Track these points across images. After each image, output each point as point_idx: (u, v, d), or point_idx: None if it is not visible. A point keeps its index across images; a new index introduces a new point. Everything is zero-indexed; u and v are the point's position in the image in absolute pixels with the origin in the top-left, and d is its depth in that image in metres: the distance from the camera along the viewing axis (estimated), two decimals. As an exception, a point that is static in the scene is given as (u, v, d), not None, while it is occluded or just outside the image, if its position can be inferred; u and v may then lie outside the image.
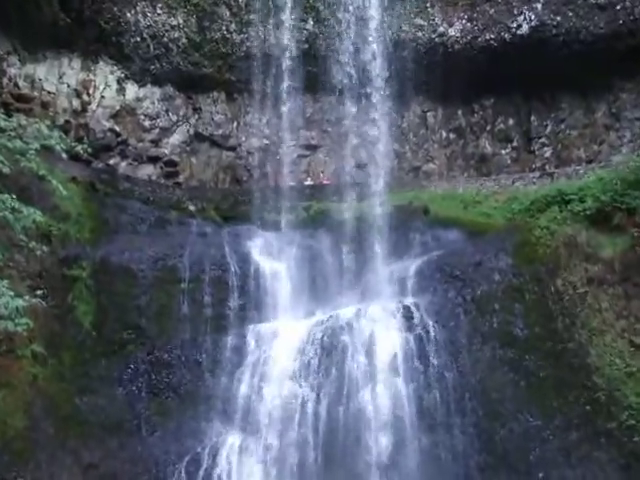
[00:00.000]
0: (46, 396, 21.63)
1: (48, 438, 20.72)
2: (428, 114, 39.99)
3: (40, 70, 33.88)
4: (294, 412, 22.67)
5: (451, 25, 36.67)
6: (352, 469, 21.50)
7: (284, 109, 36.83)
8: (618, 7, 34.32)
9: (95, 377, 23.36)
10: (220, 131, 38.50)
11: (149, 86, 36.83)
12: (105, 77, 35.51)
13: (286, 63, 35.98)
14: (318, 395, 22.95)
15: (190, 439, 22.31)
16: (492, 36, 36.17)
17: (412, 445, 21.88)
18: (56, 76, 34.33)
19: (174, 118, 37.71)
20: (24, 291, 20.77)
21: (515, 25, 35.71)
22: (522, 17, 35.63)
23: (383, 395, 22.93)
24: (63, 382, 22.58)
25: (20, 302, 17.64)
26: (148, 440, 22.25)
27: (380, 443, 22.04)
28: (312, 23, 36.78)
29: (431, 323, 24.44)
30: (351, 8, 36.37)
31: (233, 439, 22.43)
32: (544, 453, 21.23)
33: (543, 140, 38.64)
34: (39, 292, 20.22)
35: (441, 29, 36.81)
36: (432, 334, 24.08)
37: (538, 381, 22.76)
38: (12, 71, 32.87)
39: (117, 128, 35.82)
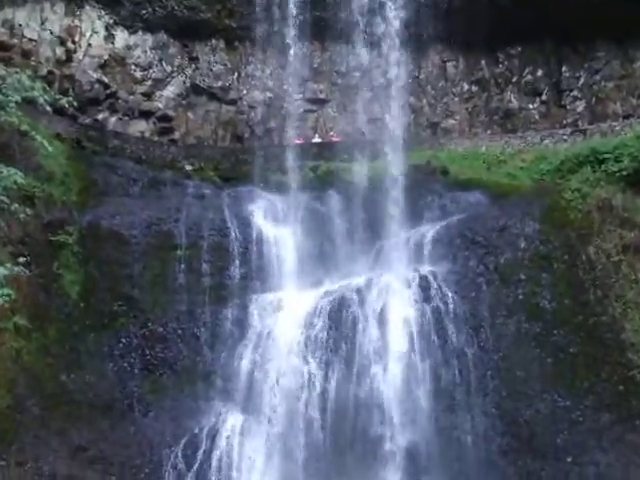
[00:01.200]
0: (30, 373, 21.74)
1: (33, 418, 20.83)
2: (448, 64, 39.55)
3: (20, 15, 33.51)
4: (300, 390, 22.69)
5: (474, -36, 36.04)
6: (363, 453, 21.57)
7: (289, 59, 36.43)
8: (662, -59, 33.60)
9: (83, 352, 23.38)
10: (219, 83, 38.21)
11: (140, 33, 36.49)
12: (92, 23, 35.19)
13: (291, 7, 35.39)
14: (326, 372, 22.97)
15: (187, 419, 22.38)
16: (520, -24, 35.51)
17: (429, 427, 21.91)
18: (38, 22, 33.99)
19: (168, 68, 37.43)
20: (6, 259, 20.81)
21: (546, -37, 35.02)
22: (554, -46, 34.92)
23: (397, 372, 22.93)
24: (49, 357, 22.63)
25: (1, 271, 17.69)
26: (142, 420, 22.33)
27: (394, 424, 22.05)
28: (320, -38, 36.20)
29: (450, 294, 24.35)
30: (363, -55, 35.77)
31: (234, 419, 22.49)
32: (573, 436, 21.21)
33: (575, 93, 38.14)
34: (22, 259, 20.31)
35: (463, -32, 36.18)
36: (451, 306, 24.01)
37: (567, 358, 22.71)
38: (-12, 16, 32.63)
39: (105, 79, 35.58)
